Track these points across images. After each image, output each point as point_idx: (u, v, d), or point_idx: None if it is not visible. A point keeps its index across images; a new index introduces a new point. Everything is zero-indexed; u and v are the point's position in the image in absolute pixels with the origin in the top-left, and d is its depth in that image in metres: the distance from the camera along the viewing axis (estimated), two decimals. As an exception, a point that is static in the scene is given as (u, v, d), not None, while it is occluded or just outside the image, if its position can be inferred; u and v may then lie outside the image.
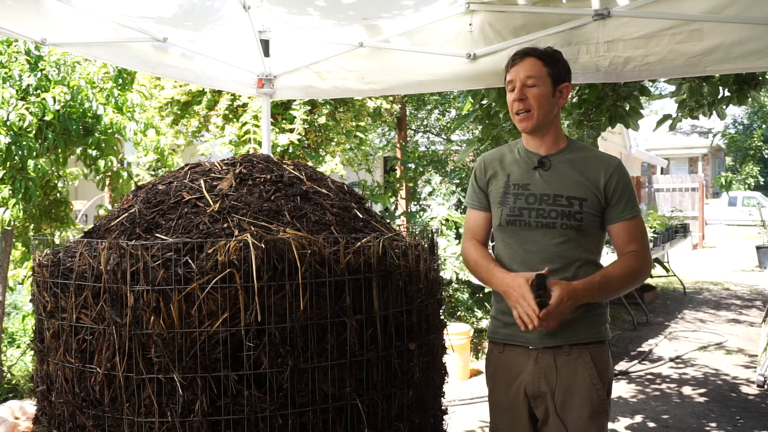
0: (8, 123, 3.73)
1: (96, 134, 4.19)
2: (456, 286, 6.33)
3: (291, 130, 6.03)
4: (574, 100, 3.90)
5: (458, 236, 6.72)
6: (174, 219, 1.81)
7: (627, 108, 3.70)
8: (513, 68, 2.00)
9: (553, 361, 1.97)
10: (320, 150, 6.47)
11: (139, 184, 2.36)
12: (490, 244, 2.20)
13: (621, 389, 4.98)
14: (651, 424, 4.25)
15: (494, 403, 2.12)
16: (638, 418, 4.36)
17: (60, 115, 4.00)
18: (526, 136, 2.08)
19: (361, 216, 2.01)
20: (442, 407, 2.10)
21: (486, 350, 2.20)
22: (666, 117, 4.21)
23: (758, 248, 12.36)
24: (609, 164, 1.99)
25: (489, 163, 2.12)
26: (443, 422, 2.10)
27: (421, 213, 7.53)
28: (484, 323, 6.20)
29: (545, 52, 2.01)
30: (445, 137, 11.98)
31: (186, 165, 2.14)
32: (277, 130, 5.99)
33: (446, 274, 6.11)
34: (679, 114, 4.07)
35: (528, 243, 1.99)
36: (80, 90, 4.12)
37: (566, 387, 1.95)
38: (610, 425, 4.21)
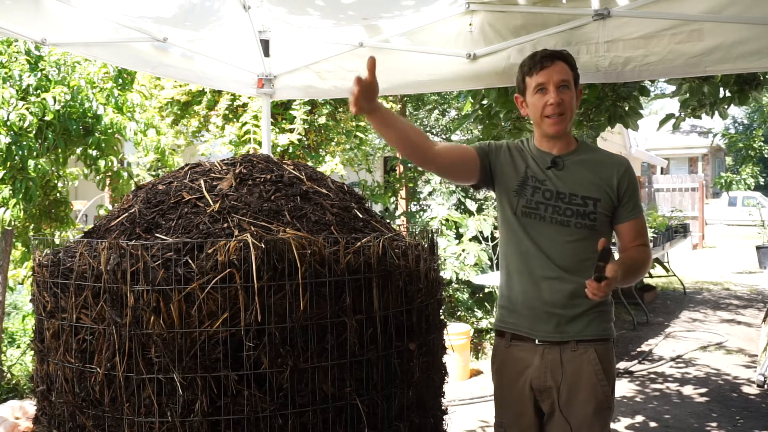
0: (8, 123, 3.73)
1: (96, 134, 4.19)
2: (456, 286, 6.34)
3: (291, 130, 6.03)
4: (574, 100, 3.90)
5: (458, 236, 6.72)
6: (174, 219, 1.81)
7: (626, 108, 3.70)
8: (544, 70, 1.96)
9: (559, 356, 1.98)
10: (320, 150, 6.47)
11: (139, 184, 2.36)
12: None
13: (621, 389, 4.98)
14: (651, 424, 4.25)
15: (500, 397, 2.13)
16: (639, 418, 4.36)
17: (60, 115, 4.00)
18: (541, 139, 2.07)
19: (361, 216, 2.01)
20: (442, 407, 2.11)
21: (487, 349, 2.21)
22: (669, 116, 4.20)
23: (758, 248, 12.36)
24: (620, 164, 2.05)
25: (512, 148, 2.10)
26: (443, 422, 2.10)
27: (421, 213, 7.54)
28: (484, 323, 6.20)
29: (569, 56, 2.02)
30: (445, 137, 11.99)
31: (186, 165, 2.14)
32: (277, 130, 5.99)
33: (446, 274, 6.11)
34: (682, 113, 4.06)
35: (541, 238, 2.00)
36: (80, 90, 4.12)
37: (571, 382, 1.97)
38: (611, 425, 4.21)
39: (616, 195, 2.00)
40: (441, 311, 2.10)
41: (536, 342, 2.01)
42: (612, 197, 2.00)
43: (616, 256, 2.06)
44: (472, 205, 7.17)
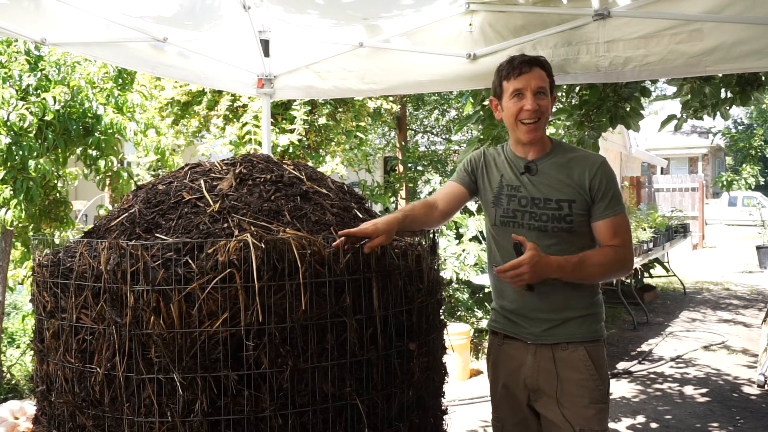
0: (9, 123, 3.73)
1: (96, 134, 4.19)
2: (456, 286, 6.33)
3: (291, 131, 6.03)
4: (575, 101, 3.90)
5: (458, 236, 6.72)
6: (174, 219, 1.81)
7: (628, 109, 3.70)
8: (521, 77, 1.97)
9: (551, 354, 2.00)
10: (320, 150, 6.47)
11: (139, 184, 2.36)
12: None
13: (622, 389, 4.98)
14: (652, 425, 4.24)
15: (495, 394, 2.15)
16: (639, 418, 4.35)
17: (60, 115, 4.00)
18: (516, 143, 2.09)
19: (361, 216, 2.01)
20: (442, 407, 2.11)
21: (486, 349, 2.21)
22: (670, 117, 4.20)
23: (758, 248, 12.36)
24: (593, 164, 2.01)
25: (489, 159, 2.15)
26: (443, 422, 2.10)
27: (421, 213, 7.51)
28: (484, 323, 6.20)
29: (546, 62, 2.04)
30: (445, 137, 12.00)
31: (186, 165, 2.14)
32: (278, 130, 6.00)
33: (446, 274, 6.11)
34: (684, 115, 4.06)
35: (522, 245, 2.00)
36: (80, 90, 4.12)
37: (565, 380, 1.98)
38: (612, 425, 4.20)
39: (589, 195, 1.98)
40: (441, 311, 2.10)
41: (528, 342, 2.04)
42: (586, 197, 1.98)
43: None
44: (472, 205, 7.16)
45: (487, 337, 2.23)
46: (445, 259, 6.20)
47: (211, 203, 1.84)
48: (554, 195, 1.99)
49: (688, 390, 4.98)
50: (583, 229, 2.01)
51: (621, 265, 1.99)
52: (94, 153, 4.23)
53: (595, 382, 1.98)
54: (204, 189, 1.90)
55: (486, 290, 6.38)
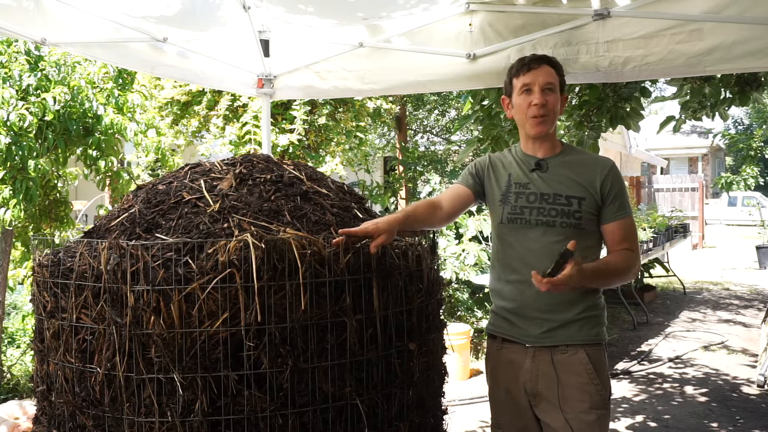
0: (8, 123, 3.73)
1: (96, 134, 4.20)
2: (456, 286, 6.34)
3: (291, 131, 6.03)
4: (575, 101, 3.90)
5: (458, 236, 6.73)
6: (174, 219, 1.81)
7: (628, 109, 3.70)
8: (530, 72, 2.01)
9: (550, 358, 1.99)
10: (320, 150, 6.47)
11: (139, 184, 2.36)
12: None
13: (622, 389, 4.99)
14: (652, 424, 4.25)
15: (495, 399, 2.13)
16: (639, 418, 4.36)
17: (60, 116, 4.00)
18: (526, 141, 2.11)
19: (361, 216, 2.01)
20: (442, 407, 2.11)
21: (485, 349, 2.21)
22: (669, 119, 4.20)
23: (758, 248, 12.37)
24: (604, 166, 2.04)
25: (495, 161, 2.16)
26: (443, 422, 2.10)
27: (421, 213, 7.51)
28: (484, 323, 6.20)
29: (556, 62, 2.07)
30: (445, 137, 12.01)
31: (186, 165, 2.14)
32: (278, 130, 6.00)
33: (446, 274, 6.11)
34: (683, 116, 4.06)
35: (528, 241, 2.00)
36: (80, 90, 4.12)
37: (564, 384, 1.97)
38: (611, 425, 4.20)
39: (599, 195, 2.00)
40: (441, 311, 2.10)
41: (526, 345, 2.02)
42: (596, 198, 1.99)
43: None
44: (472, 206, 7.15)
45: (486, 340, 2.22)
46: (445, 259, 6.20)
47: (211, 203, 1.84)
48: (564, 191, 2.00)
49: (688, 390, 4.98)
50: (590, 228, 2.00)
51: (635, 267, 2.02)
52: (94, 153, 4.23)
53: (596, 386, 1.96)
54: (204, 189, 1.91)
55: (486, 290, 6.39)
